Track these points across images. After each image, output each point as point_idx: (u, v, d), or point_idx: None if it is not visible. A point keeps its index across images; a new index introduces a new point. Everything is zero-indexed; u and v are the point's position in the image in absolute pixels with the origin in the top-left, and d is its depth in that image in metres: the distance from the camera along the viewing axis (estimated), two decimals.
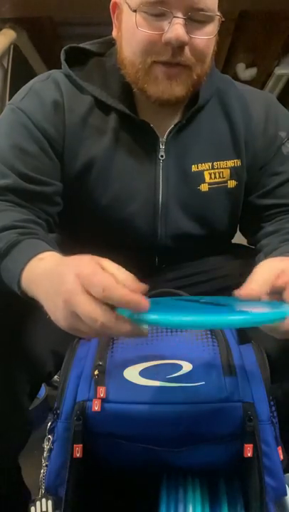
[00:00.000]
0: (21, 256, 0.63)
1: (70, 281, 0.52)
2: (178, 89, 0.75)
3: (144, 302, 0.49)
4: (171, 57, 0.72)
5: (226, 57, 2.20)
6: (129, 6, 0.73)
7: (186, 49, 0.72)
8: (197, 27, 0.72)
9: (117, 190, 0.82)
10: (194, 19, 0.71)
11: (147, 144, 0.82)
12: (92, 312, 0.51)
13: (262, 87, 2.32)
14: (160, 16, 0.71)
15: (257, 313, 0.52)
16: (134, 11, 0.72)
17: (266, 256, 0.78)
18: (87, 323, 0.52)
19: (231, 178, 0.85)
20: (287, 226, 0.82)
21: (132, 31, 0.74)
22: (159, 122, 0.81)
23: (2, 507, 0.74)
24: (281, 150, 0.86)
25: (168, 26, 0.70)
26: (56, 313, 0.55)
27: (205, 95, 0.83)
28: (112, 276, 0.53)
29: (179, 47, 0.71)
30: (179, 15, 0.70)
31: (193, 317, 0.50)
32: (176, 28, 0.70)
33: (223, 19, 0.75)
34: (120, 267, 0.55)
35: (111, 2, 0.80)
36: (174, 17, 0.70)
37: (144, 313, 0.49)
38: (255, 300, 0.56)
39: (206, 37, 0.73)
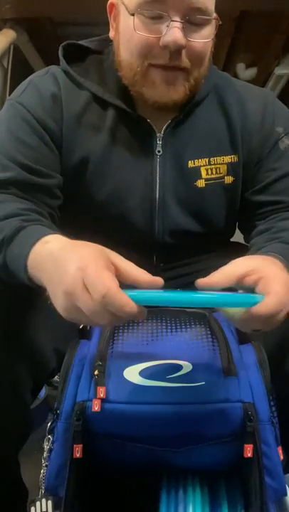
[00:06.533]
0: (27, 240, 0.63)
1: (72, 274, 0.52)
2: (175, 94, 0.76)
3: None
4: (169, 60, 0.72)
5: (226, 57, 2.19)
6: (126, 9, 0.73)
7: (184, 52, 0.72)
8: (194, 30, 0.72)
9: (113, 185, 0.82)
10: (192, 22, 0.72)
11: (144, 139, 0.82)
12: (95, 311, 0.51)
13: (262, 87, 2.30)
14: (158, 19, 0.71)
15: (227, 294, 0.55)
16: (132, 14, 0.72)
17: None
18: (89, 318, 0.52)
19: (228, 173, 0.85)
20: (278, 225, 0.82)
21: (129, 34, 0.74)
22: (156, 118, 0.81)
23: (2, 507, 0.74)
24: (278, 145, 0.86)
25: (166, 30, 0.70)
26: (57, 301, 0.55)
27: (202, 91, 0.83)
28: (117, 276, 0.53)
29: (176, 50, 0.71)
30: (177, 18, 0.70)
31: (165, 294, 0.54)
32: (174, 32, 0.70)
33: (220, 22, 0.75)
34: (125, 260, 0.56)
35: (108, 2, 0.80)
36: (172, 20, 0.70)
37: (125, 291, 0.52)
38: (216, 288, 0.57)
39: (204, 40, 0.74)
